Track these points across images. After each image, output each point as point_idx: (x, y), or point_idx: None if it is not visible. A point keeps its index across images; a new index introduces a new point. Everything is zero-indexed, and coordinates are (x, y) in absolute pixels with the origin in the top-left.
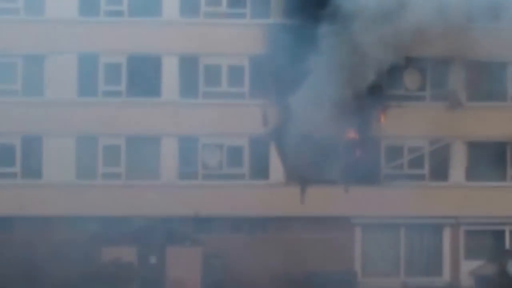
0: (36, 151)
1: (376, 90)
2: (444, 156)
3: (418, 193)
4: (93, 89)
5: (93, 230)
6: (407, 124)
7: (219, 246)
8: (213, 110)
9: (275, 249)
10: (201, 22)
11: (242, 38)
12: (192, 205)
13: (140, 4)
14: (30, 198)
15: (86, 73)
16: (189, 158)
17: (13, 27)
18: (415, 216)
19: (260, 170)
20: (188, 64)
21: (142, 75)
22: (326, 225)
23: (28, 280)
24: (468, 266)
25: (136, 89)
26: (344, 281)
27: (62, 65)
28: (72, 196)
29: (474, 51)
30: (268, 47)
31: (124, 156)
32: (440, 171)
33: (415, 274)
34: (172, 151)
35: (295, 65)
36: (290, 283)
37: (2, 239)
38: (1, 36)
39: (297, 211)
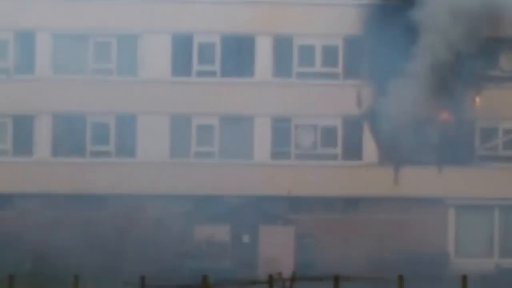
0: (130, 130)
1: (470, 71)
2: None
3: None
4: (187, 68)
5: (187, 208)
6: (502, 105)
7: (311, 225)
8: (307, 91)
9: (367, 230)
10: (296, 2)
11: (337, 18)
12: (285, 185)
13: None
14: (124, 176)
15: (180, 52)
16: (282, 138)
17: (108, 6)
18: (510, 198)
19: (354, 151)
20: (282, 44)
21: (236, 55)
22: (419, 206)
23: (121, 257)
24: None
25: (230, 69)
26: (437, 262)
27: (156, 44)
28: (166, 175)
29: None
30: (363, 27)
31: (218, 135)
32: None
33: (509, 255)
34: (265, 131)
35: (390, 46)
36: (382, 264)
37: (95, 216)
38: (95, 15)
39: (390, 192)
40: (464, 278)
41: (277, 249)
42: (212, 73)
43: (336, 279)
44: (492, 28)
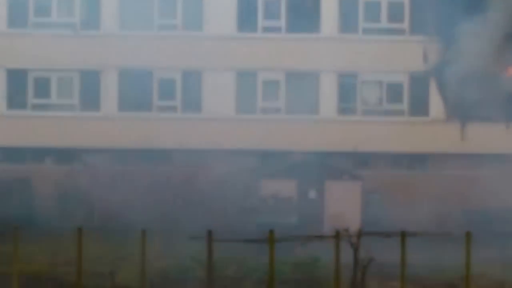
0: (196, 86)
1: None
2: None
3: None
4: (252, 24)
5: (253, 163)
6: None
7: (378, 181)
8: (373, 46)
9: (433, 186)
10: None
11: None
12: (351, 141)
13: None
14: (190, 131)
15: (245, 8)
16: (348, 94)
17: None
18: None
19: (420, 107)
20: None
21: (301, 11)
22: (486, 162)
23: (188, 211)
24: None
25: (295, 24)
26: (505, 219)
27: (221, 0)
28: (232, 130)
29: None
30: None
31: (283, 91)
32: None
33: None
34: (331, 87)
35: (457, 1)
36: (449, 220)
37: (162, 171)
38: None
39: (457, 148)
40: None
41: (343, 204)
42: (278, 29)
43: (403, 235)
44: None
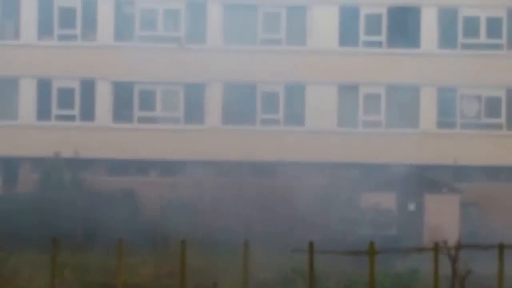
0: (299, 99)
1: None
2: None
3: None
4: (354, 39)
5: (354, 176)
6: None
7: (475, 194)
8: (472, 61)
9: None
10: None
11: None
12: (450, 154)
13: None
14: (292, 144)
15: (347, 23)
16: (448, 107)
17: None
18: None
19: None
20: (447, 15)
21: (402, 26)
22: None
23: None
24: None
25: (396, 39)
26: None
27: (324, 15)
28: (333, 143)
29: None
30: None
31: (384, 104)
32: None
33: None
34: (431, 101)
35: None
36: None
37: (265, 182)
38: None
39: None
40: None
41: (442, 217)
42: (379, 44)
43: (501, 247)
44: None
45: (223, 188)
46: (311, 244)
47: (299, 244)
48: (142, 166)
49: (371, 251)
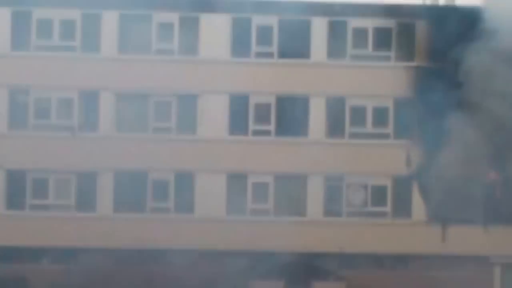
0: (188, 187)
1: None
2: None
3: None
4: (243, 127)
5: (242, 264)
6: None
7: (362, 282)
8: (358, 150)
9: (415, 286)
10: (348, 65)
11: (387, 80)
12: (337, 242)
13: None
14: (182, 231)
15: (236, 112)
16: (335, 196)
17: (168, 67)
18: None
19: (403, 209)
20: (335, 105)
21: (290, 115)
22: (465, 264)
23: None
24: None
25: (284, 128)
26: None
27: (214, 104)
28: (222, 231)
29: None
30: (412, 89)
31: (272, 193)
32: None
33: None
34: (318, 189)
35: (438, 107)
36: None
37: (154, 271)
38: (157, 76)
39: (438, 250)
40: None
41: None
42: (267, 132)
43: None
44: None
45: (113, 276)
46: None
47: None
48: (34, 254)
49: None
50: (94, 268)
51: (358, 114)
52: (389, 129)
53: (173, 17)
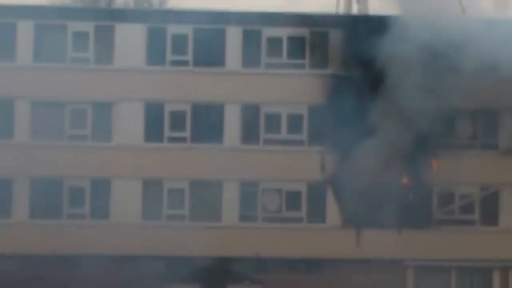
0: (104, 193)
1: (429, 139)
2: (494, 202)
3: (469, 237)
4: (159, 134)
5: (157, 269)
6: (459, 171)
7: (277, 285)
8: (273, 156)
9: None
10: (262, 73)
11: (301, 88)
12: (252, 246)
13: (204, 56)
14: (98, 237)
15: (152, 120)
16: (250, 201)
17: (83, 76)
18: (466, 259)
19: (317, 214)
20: (250, 112)
21: (206, 122)
22: (379, 267)
23: None
24: None
25: (200, 135)
26: None
27: (129, 112)
28: (138, 236)
29: None
30: (326, 96)
31: (188, 198)
32: (490, 217)
33: None
34: (234, 195)
35: (352, 114)
36: None
37: (70, 276)
38: (72, 84)
39: (352, 253)
40: None
41: None
42: (183, 139)
43: None
44: (449, 101)
45: (28, 282)
46: None
47: None
48: None
49: None
50: (10, 275)
51: (273, 121)
52: (304, 135)
53: (88, 26)
